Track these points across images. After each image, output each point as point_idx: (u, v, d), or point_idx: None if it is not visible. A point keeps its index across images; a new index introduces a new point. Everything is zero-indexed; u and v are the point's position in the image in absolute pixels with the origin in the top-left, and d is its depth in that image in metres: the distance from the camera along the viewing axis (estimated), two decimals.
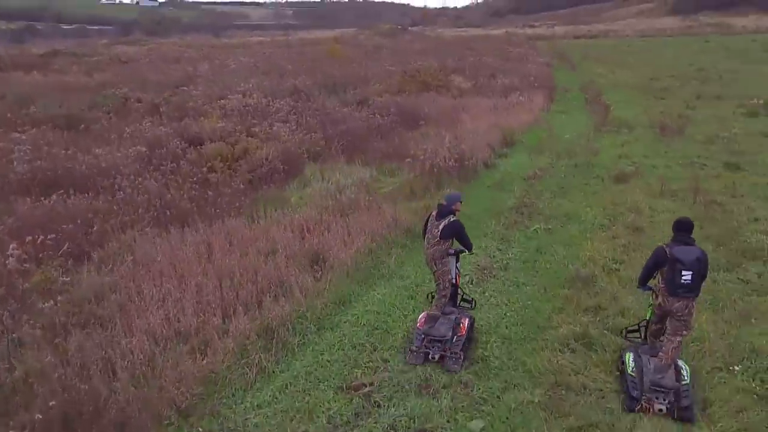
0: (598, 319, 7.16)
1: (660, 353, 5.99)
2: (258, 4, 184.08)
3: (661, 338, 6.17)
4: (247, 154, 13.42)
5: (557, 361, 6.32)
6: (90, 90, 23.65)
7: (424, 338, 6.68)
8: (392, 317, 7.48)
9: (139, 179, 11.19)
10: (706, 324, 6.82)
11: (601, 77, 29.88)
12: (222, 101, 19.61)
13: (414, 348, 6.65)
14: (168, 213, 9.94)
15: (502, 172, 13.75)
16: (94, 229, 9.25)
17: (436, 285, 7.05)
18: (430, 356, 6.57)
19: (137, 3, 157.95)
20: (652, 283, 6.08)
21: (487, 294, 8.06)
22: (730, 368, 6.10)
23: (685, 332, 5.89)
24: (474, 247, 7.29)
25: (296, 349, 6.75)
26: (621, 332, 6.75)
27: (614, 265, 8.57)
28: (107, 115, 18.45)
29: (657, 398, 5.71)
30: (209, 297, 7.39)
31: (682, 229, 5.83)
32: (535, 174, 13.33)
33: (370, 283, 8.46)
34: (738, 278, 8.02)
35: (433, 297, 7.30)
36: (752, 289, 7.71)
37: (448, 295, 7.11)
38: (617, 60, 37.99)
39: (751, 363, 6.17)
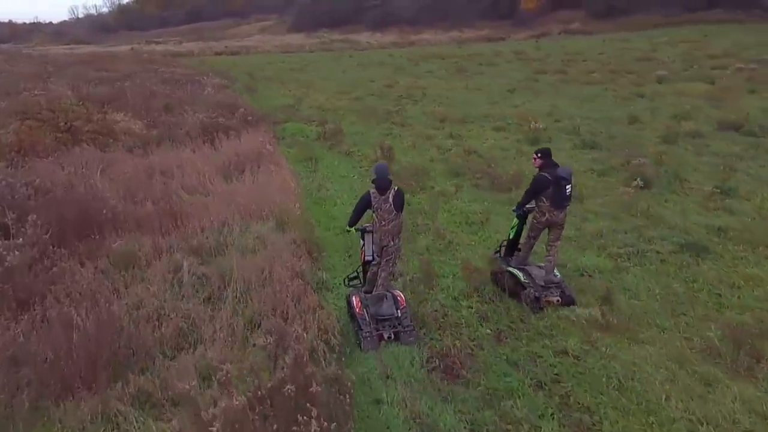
0: None
1: (547, 256, 6.89)
2: None
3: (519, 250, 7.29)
4: None
5: None
6: None
7: (369, 321, 6.20)
8: None
9: None
10: None
11: (299, 101, 23.34)
12: None
13: (366, 333, 6.08)
14: None
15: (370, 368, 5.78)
16: None
17: (385, 262, 6.42)
18: (386, 337, 6.14)
19: None
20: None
21: None
22: None
23: (561, 237, 6.92)
24: None
25: None
26: (494, 252, 7.65)
27: None
28: None
29: (552, 293, 6.71)
30: None
31: (549, 155, 6.86)
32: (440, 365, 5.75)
33: None
34: None
35: (349, 280, 7.05)
36: None
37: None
38: (291, 78, 32.08)
39: None
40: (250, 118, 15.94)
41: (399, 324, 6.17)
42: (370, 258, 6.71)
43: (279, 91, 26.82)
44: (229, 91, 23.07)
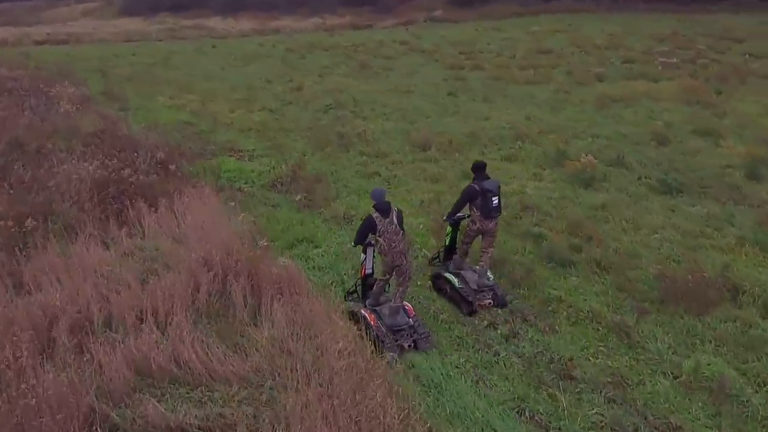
0: None
1: (480, 262, 7.25)
2: None
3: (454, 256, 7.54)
4: None
5: None
6: None
7: (386, 332, 6.37)
8: None
9: None
10: None
11: (197, 116, 17.14)
12: None
13: (388, 345, 6.29)
14: None
15: None
16: None
17: (402, 280, 6.60)
18: (406, 346, 6.36)
19: None
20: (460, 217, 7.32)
21: None
22: None
23: (493, 244, 7.27)
24: None
25: None
26: (429, 262, 7.98)
27: None
28: None
29: (485, 296, 7.10)
30: None
31: (482, 168, 7.14)
32: None
33: None
34: None
35: (348, 294, 7.11)
36: None
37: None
38: (160, 78, 24.51)
39: None
40: (173, 166, 9.98)
41: (414, 332, 6.43)
42: (370, 272, 6.85)
43: (156, 99, 19.99)
44: (101, 109, 16.06)
